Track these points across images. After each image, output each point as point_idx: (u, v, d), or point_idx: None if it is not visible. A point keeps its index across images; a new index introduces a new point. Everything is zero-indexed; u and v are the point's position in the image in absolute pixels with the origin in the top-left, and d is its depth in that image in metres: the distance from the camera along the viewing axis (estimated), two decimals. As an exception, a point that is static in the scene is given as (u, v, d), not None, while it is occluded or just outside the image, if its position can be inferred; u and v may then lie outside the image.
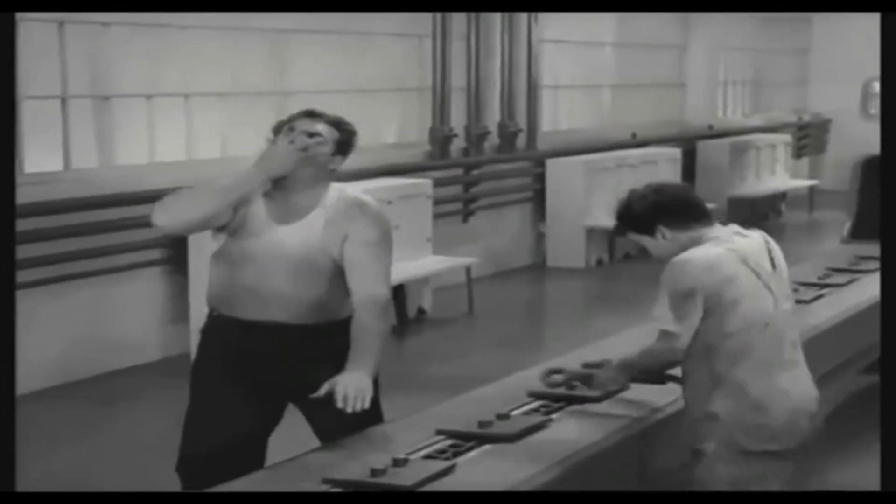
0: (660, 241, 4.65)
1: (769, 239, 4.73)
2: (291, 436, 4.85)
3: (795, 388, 4.55)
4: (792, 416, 4.51)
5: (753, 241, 4.65)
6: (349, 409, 4.31)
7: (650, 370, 4.82)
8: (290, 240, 4.62)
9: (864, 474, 5.95)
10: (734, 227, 4.73)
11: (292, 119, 4.80)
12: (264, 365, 4.66)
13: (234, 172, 4.72)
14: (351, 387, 4.33)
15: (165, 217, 4.62)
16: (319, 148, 4.71)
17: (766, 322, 4.50)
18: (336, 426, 4.46)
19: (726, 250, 4.53)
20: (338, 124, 4.83)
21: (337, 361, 4.47)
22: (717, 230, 4.67)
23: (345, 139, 4.83)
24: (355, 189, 4.94)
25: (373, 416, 4.63)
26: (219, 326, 4.76)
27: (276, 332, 4.63)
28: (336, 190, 4.79)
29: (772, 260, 4.63)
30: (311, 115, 4.81)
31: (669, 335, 4.49)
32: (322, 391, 4.37)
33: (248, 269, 4.64)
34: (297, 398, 4.70)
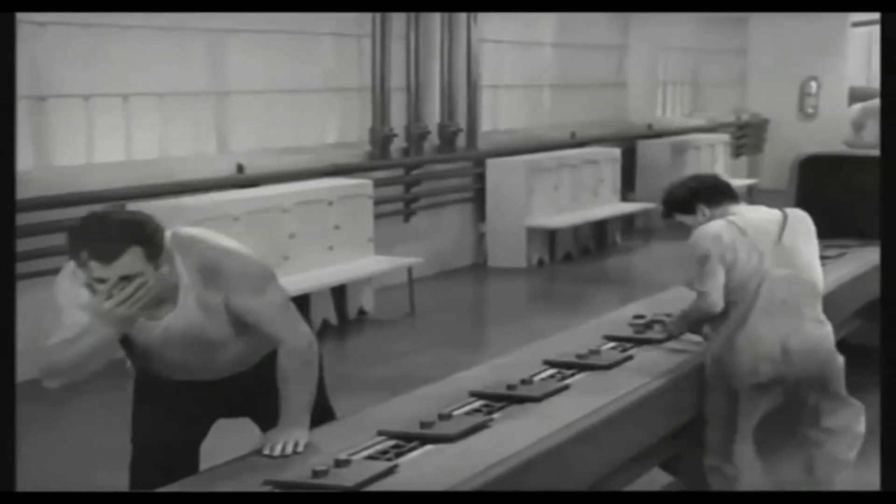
0: (700, 218, 5.67)
1: (793, 216, 5.72)
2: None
3: (769, 339, 5.52)
4: (753, 362, 5.52)
5: (764, 216, 5.68)
6: (276, 454, 4.21)
7: (694, 323, 5.79)
8: (176, 327, 4.26)
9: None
10: (758, 207, 5.81)
11: (81, 252, 3.98)
12: (199, 401, 4.59)
13: (90, 334, 4.09)
14: (281, 441, 4.24)
15: (53, 383, 4.34)
16: (145, 288, 4.02)
17: (757, 282, 5.51)
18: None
19: (727, 222, 5.57)
20: (135, 237, 4.00)
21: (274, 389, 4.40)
22: (741, 207, 5.73)
23: (150, 240, 4.03)
24: (199, 228, 4.43)
25: (325, 416, 4.63)
26: (146, 378, 4.64)
27: (206, 386, 4.54)
28: (180, 256, 4.20)
29: (781, 234, 5.60)
30: (97, 247, 3.96)
31: (700, 294, 5.56)
32: (265, 451, 4.26)
33: (153, 357, 4.43)
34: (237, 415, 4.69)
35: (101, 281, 3.98)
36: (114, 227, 3.96)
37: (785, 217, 5.69)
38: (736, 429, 5.64)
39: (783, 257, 5.57)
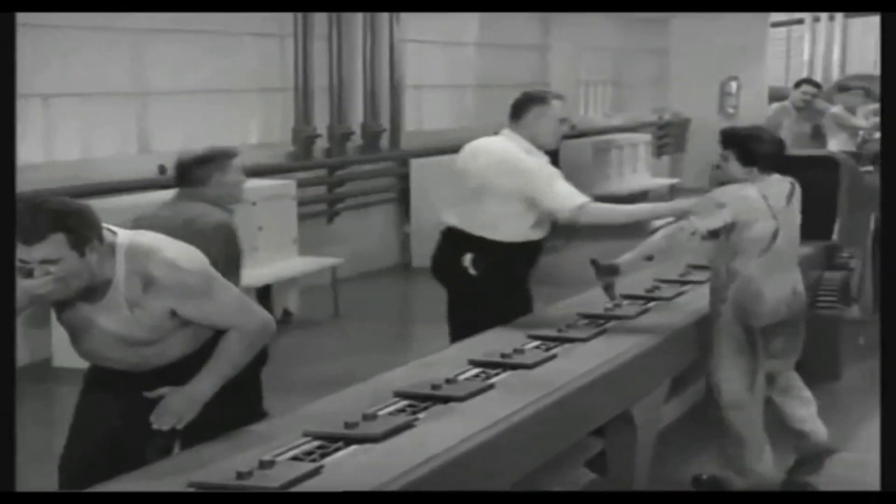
0: (743, 173, 6.36)
1: (797, 186, 6.53)
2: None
3: (784, 285, 6.37)
4: (776, 305, 6.33)
5: (780, 183, 6.46)
6: (158, 426, 4.34)
7: (664, 250, 6.43)
8: (100, 319, 4.40)
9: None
10: (776, 175, 6.46)
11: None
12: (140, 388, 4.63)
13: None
14: (175, 405, 4.35)
15: None
16: (60, 272, 4.13)
17: (772, 239, 6.32)
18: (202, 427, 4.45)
19: (756, 189, 6.33)
20: (60, 225, 4.11)
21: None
22: (764, 176, 6.39)
23: (75, 229, 4.15)
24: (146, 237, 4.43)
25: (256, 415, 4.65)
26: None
27: (137, 376, 4.58)
28: (123, 255, 4.32)
29: (790, 199, 6.44)
30: (23, 229, 4.03)
31: (692, 229, 6.22)
32: (157, 392, 4.43)
33: (78, 338, 4.54)
34: None
35: (24, 262, 4.09)
36: (42, 213, 4.09)
37: (793, 185, 6.50)
38: (754, 361, 6.37)
39: (789, 218, 6.46)
